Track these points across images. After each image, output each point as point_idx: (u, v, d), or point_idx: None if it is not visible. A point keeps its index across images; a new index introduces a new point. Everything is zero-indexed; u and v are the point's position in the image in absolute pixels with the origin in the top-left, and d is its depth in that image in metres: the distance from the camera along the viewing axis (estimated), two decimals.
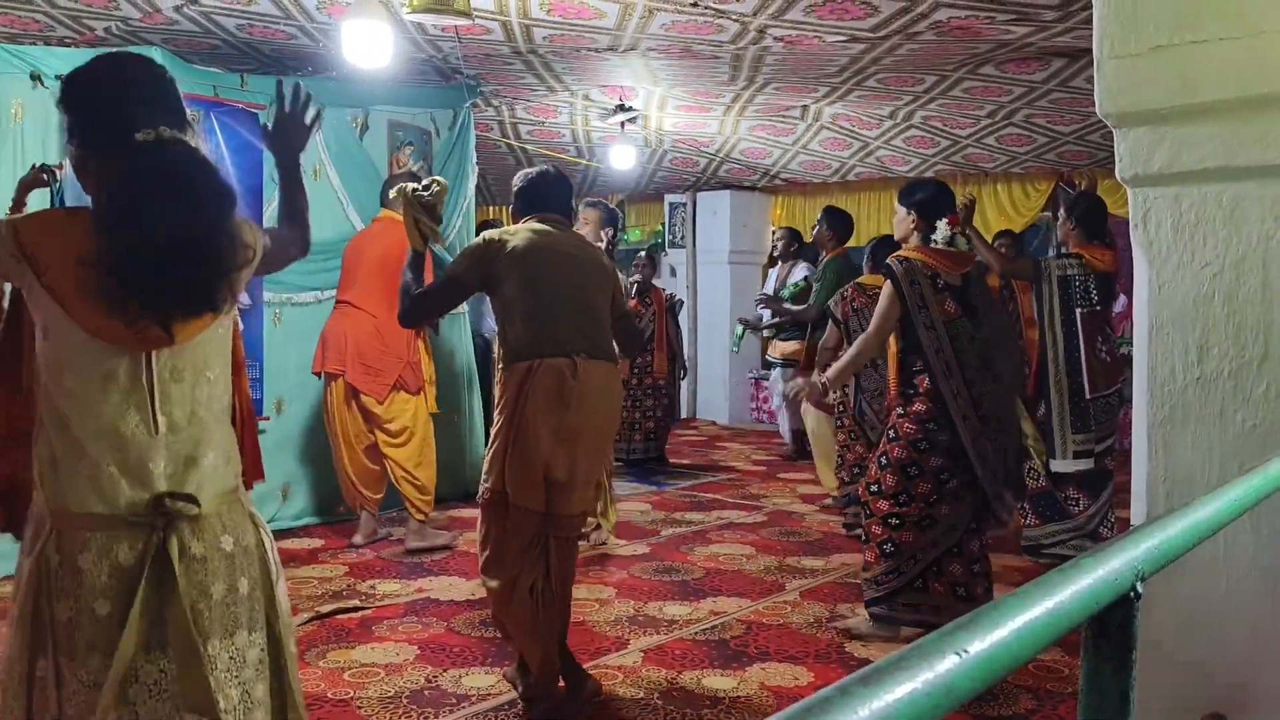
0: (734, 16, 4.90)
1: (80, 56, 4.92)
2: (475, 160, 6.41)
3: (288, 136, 2.12)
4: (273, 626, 1.88)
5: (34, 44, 5.11)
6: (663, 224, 11.04)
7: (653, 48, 5.52)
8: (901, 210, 3.80)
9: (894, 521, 3.64)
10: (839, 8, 4.73)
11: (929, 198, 3.74)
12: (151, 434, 1.73)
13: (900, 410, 3.70)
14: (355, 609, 4.14)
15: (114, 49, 5.10)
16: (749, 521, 5.87)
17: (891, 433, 3.70)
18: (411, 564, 4.82)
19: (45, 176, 3.42)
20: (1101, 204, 5.06)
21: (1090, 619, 0.91)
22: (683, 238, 10.76)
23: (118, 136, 1.76)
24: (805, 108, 7.14)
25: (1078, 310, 4.56)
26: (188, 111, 1.89)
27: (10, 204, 3.40)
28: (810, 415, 6.09)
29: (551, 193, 3.33)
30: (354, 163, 5.77)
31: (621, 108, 7.05)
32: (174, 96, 1.84)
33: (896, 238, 3.91)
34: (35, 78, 4.71)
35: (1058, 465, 4.63)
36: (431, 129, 6.20)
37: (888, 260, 3.75)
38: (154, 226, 1.69)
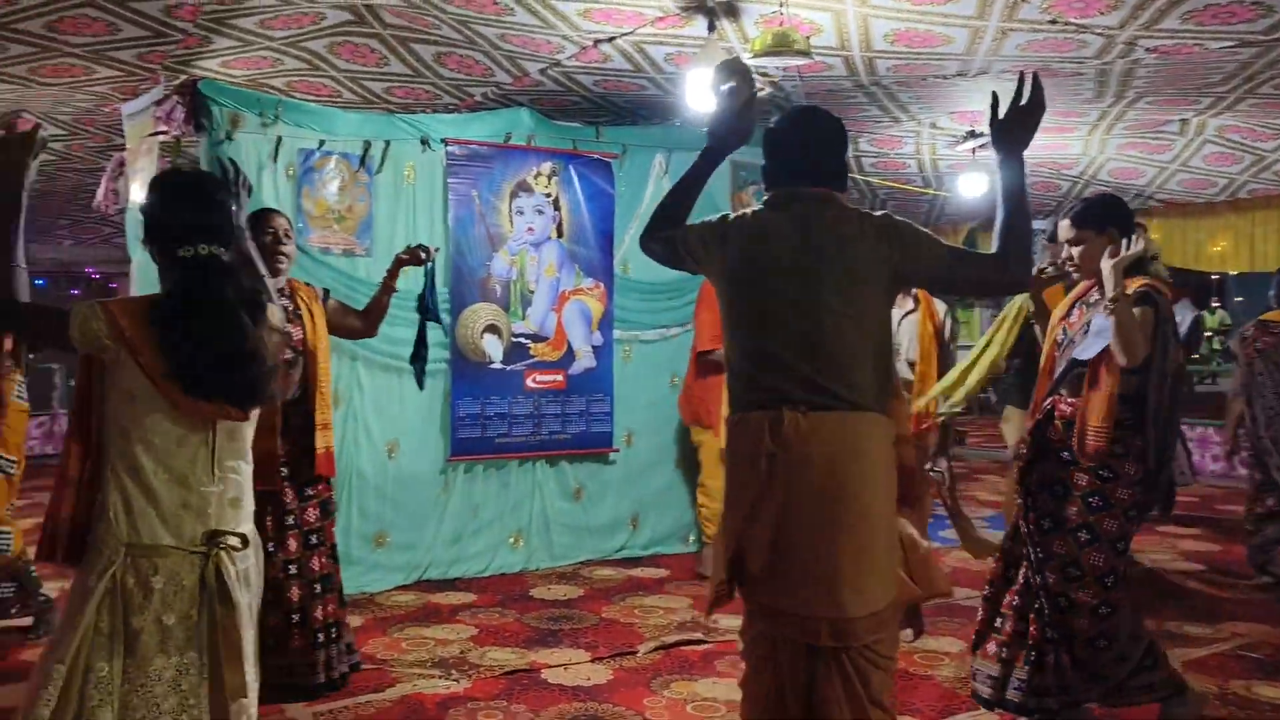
0: (1098, 30, 4.52)
1: (462, 121, 5.50)
2: None
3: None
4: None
5: (423, 112, 5.76)
6: None
7: (1006, 70, 5.23)
8: None
9: None
10: (1223, 10, 4.22)
11: None
12: (211, 483, 2.16)
13: None
14: (698, 642, 4.20)
15: (489, 110, 5.65)
16: None
17: None
18: None
19: (422, 254, 3.78)
20: None
21: None
22: None
23: (167, 248, 2.16)
24: (1184, 121, 6.44)
25: None
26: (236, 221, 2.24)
27: (385, 274, 3.78)
28: None
29: (800, 149, 2.36)
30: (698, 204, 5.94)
31: (972, 134, 6.74)
32: (220, 212, 2.19)
33: None
34: (424, 142, 5.29)
35: None
36: None
37: None
38: (203, 341, 2.09)
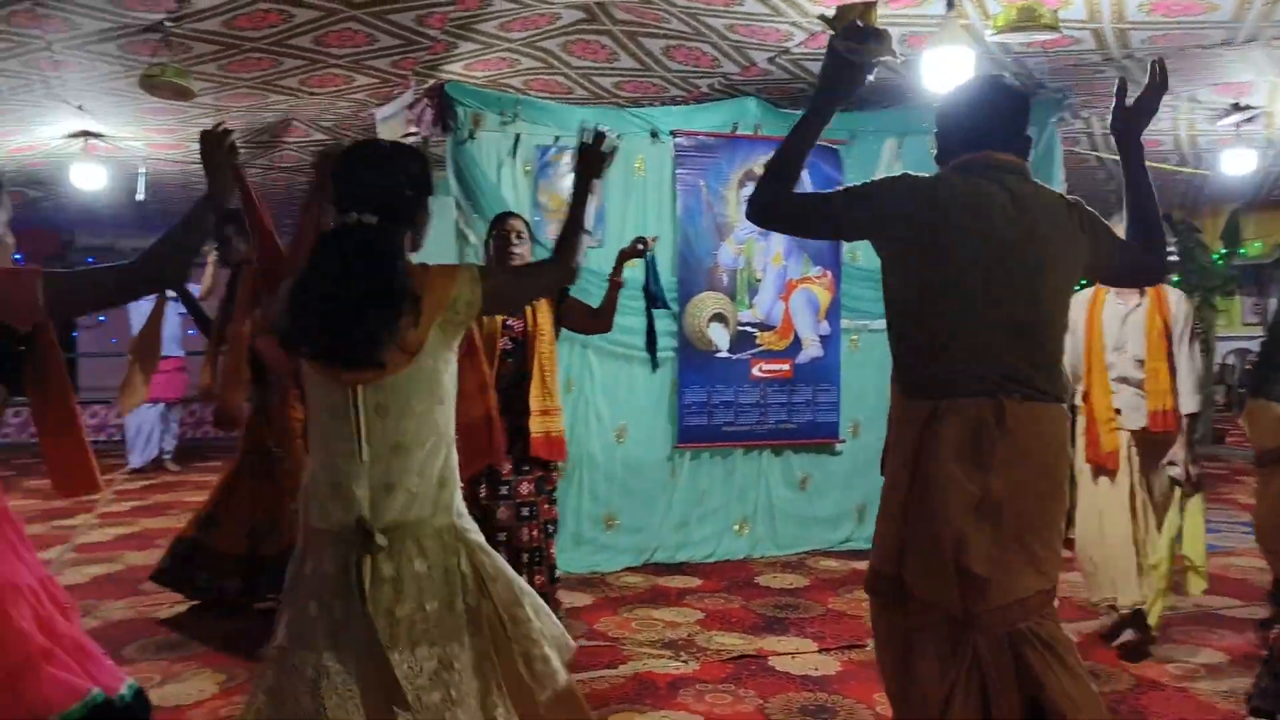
0: None
1: (689, 113, 5.56)
2: (1063, 177, 6.04)
3: (586, 164, 2.20)
4: (476, 640, 1.98)
5: (652, 105, 5.87)
6: None
7: (1279, 36, 4.76)
8: None
9: None
10: None
11: None
12: (357, 462, 1.94)
13: None
14: None
15: (715, 101, 5.69)
16: None
17: None
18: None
19: (640, 246, 3.85)
20: None
21: None
22: None
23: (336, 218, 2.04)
24: None
25: None
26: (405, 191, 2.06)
27: (611, 271, 3.86)
28: None
29: (983, 118, 2.21)
30: None
31: (1237, 107, 6.18)
32: (384, 178, 2.03)
33: None
34: (653, 135, 5.40)
35: None
36: None
37: None
38: (311, 291, 1.94)
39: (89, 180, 7.14)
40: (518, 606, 2.03)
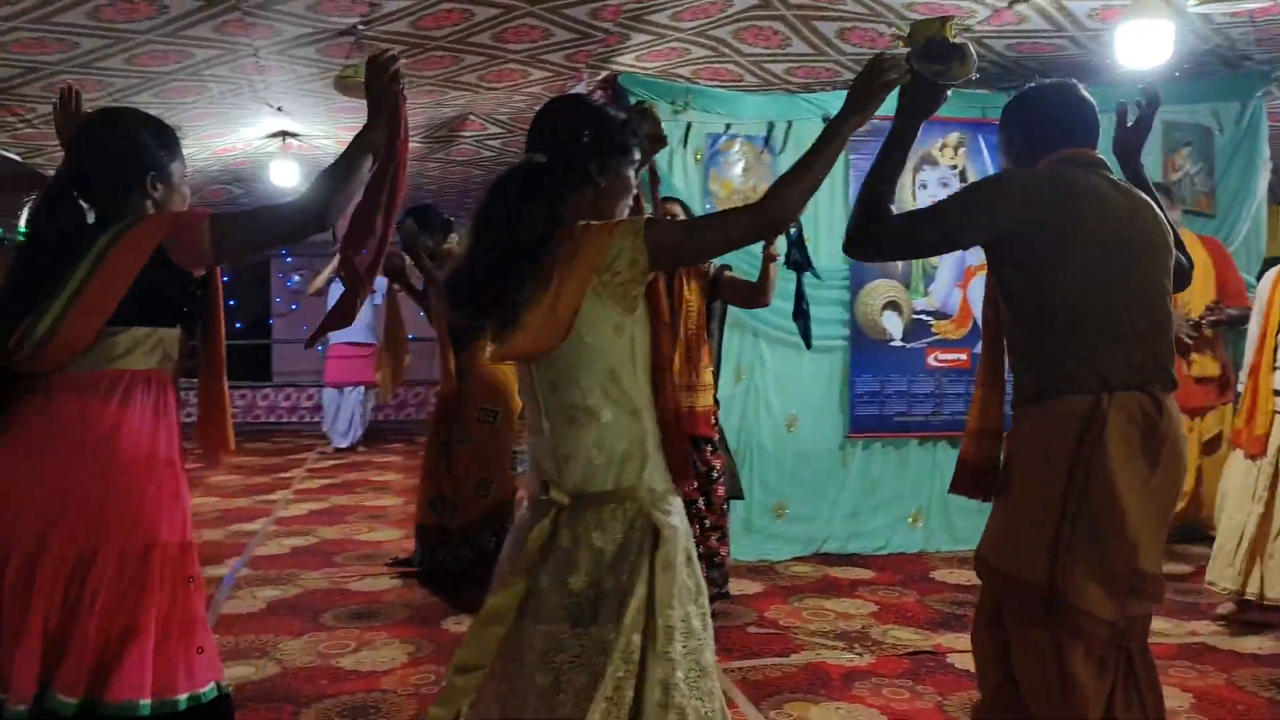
0: None
1: (760, 101, 5.44)
2: (1268, 155, 5.62)
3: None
4: (639, 627, 1.81)
5: (823, 90, 5.78)
6: None
7: None
8: None
9: None
10: None
11: None
12: (542, 433, 1.92)
13: None
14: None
15: None
16: None
17: None
18: (1185, 603, 4.39)
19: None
20: None
21: None
22: None
23: None
24: None
25: None
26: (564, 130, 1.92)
27: (762, 246, 3.81)
28: None
29: (1080, 114, 2.24)
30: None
31: None
32: (552, 121, 1.95)
33: None
34: (825, 120, 5.32)
35: None
36: (1213, 125, 5.58)
37: None
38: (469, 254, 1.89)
39: (285, 177, 7.60)
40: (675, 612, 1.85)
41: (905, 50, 1.98)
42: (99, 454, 1.99)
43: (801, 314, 4.05)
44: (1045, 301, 2.10)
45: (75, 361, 2.01)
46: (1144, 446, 2.02)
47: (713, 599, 4.05)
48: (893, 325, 5.39)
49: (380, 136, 2.13)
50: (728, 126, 5.24)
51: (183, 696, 2.01)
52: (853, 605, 4.46)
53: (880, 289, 5.37)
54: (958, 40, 1.94)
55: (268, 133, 7.19)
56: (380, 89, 2.11)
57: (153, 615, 1.99)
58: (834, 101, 5.37)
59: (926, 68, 1.94)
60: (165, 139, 2.21)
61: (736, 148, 5.24)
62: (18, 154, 7.12)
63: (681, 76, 5.78)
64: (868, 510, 5.41)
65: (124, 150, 2.14)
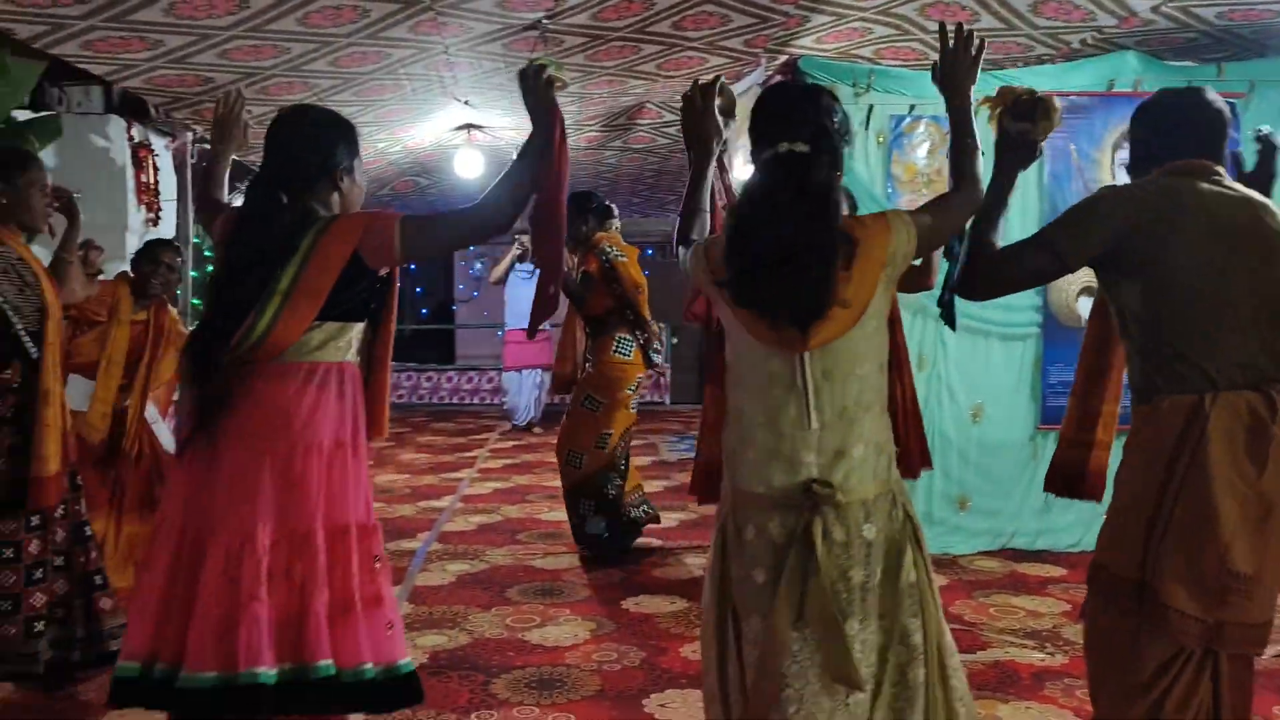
0: None
1: (1057, 72, 5.21)
2: None
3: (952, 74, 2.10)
4: (911, 618, 1.91)
5: (1014, 67, 5.54)
6: None
7: None
8: None
9: None
10: None
11: None
12: (806, 427, 1.88)
13: None
14: None
15: (1088, 58, 5.29)
16: None
17: None
18: None
19: None
20: None
21: None
22: None
23: (757, 153, 1.97)
24: None
25: None
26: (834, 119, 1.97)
27: None
28: None
29: (1195, 126, 2.20)
30: None
31: None
32: (814, 110, 1.95)
33: None
34: None
35: None
36: None
37: None
38: (760, 241, 1.87)
39: (470, 168, 7.90)
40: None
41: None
42: (296, 441, 2.13)
43: (944, 302, 3.96)
44: (1152, 306, 2.11)
45: (282, 354, 2.15)
46: (1250, 447, 1.99)
47: None
48: (1088, 311, 5.12)
49: (544, 141, 2.23)
50: (912, 107, 5.10)
51: (371, 665, 2.14)
52: (1043, 604, 4.29)
53: (1076, 275, 5.11)
54: (1040, 96, 2.13)
55: (454, 126, 7.48)
56: (536, 99, 2.21)
57: (354, 590, 2.13)
58: (1028, 78, 5.14)
59: (1016, 126, 2.14)
60: (349, 134, 2.35)
61: (921, 129, 5.10)
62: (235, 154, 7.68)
63: (862, 58, 5.66)
64: (1060, 506, 5.15)
65: (314, 144, 2.27)
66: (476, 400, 12.40)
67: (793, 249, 1.84)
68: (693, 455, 8.28)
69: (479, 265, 13.73)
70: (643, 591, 4.47)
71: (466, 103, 6.65)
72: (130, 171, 5.94)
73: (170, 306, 4.20)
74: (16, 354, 3.13)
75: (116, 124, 5.93)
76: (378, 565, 2.23)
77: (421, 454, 8.67)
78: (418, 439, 9.69)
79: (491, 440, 9.55)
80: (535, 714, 3.17)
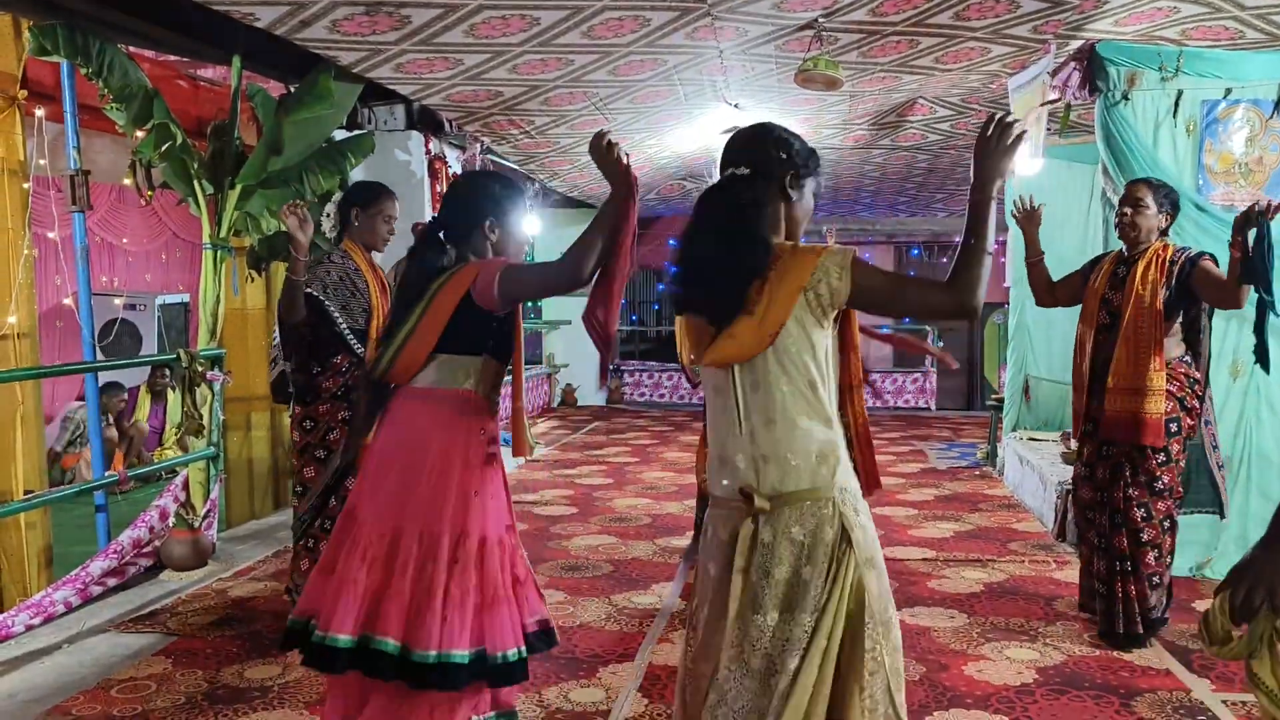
0: None
1: (1269, 60, 4.58)
2: None
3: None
4: (843, 615, 1.93)
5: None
6: None
7: None
8: None
9: None
10: None
11: None
12: (738, 434, 2.01)
13: None
14: None
15: None
16: None
17: None
18: None
19: (1256, 211, 3.31)
20: None
21: None
22: None
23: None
24: None
25: None
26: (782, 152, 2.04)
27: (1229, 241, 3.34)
28: None
29: None
30: None
31: None
32: (761, 141, 2.05)
33: None
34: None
35: None
36: None
37: None
38: (693, 249, 2.05)
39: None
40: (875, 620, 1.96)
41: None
42: (424, 455, 2.46)
43: (1261, 346, 3.55)
44: None
45: (413, 379, 2.53)
46: None
47: (1151, 624, 3.73)
48: None
49: (621, 202, 2.37)
50: (1228, 91, 4.64)
51: (502, 652, 2.45)
52: None
53: None
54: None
55: (721, 129, 7.55)
56: (608, 167, 2.35)
57: (470, 588, 2.43)
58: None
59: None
60: (509, 191, 2.65)
61: (1239, 114, 4.62)
62: (516, 162, 8.13)
63: (1167, 39, 5.22)
64: None
65: (470, 198, 2.63)
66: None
67: (715, 256, 2.00)
68: (963, 463, 8.00)
69: None
70: (918, 604, 4.33)
71: (736, 105, 6.70)
72: (427, 182, 6.42)
73: None
74: (344, 346, 3.69)
75: (416, 139, 6.42)
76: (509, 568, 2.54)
77: (685, 453, 8.82)
78: (680, 438, 9.88)
79: None
80: None
